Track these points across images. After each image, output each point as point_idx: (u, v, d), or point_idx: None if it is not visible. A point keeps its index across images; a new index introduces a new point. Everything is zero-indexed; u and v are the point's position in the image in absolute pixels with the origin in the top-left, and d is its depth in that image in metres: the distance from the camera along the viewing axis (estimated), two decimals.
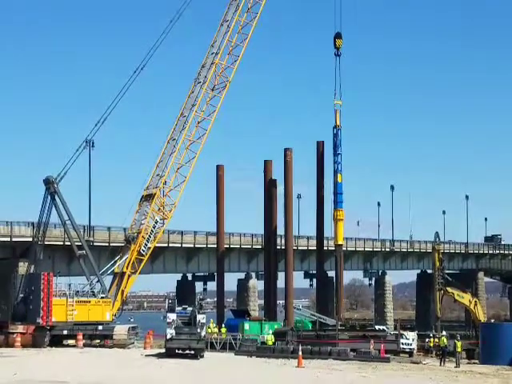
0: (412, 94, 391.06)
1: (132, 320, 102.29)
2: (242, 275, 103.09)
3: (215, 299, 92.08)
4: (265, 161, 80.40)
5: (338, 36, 72.14)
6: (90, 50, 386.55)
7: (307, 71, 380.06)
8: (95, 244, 75.66)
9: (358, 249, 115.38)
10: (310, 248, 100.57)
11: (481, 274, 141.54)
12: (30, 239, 65.30)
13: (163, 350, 48.46)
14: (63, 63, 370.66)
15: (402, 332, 55.98)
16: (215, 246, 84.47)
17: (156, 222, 62.95)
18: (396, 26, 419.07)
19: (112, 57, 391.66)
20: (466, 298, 67.17)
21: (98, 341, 56.75)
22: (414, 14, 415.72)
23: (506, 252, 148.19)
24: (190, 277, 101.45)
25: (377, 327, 66.19)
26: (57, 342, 55.69)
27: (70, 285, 59.31)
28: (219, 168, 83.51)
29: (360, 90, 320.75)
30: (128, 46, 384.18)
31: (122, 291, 62.10)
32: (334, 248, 73.82)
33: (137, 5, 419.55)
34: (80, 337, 54.68)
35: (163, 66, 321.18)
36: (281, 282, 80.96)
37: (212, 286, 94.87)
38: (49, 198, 60.54)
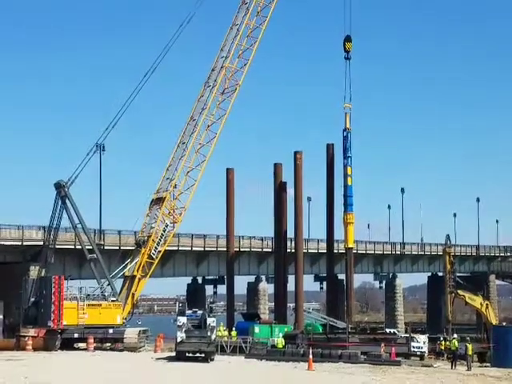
0: (422, 96, 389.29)
1: (140, 323, 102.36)
2: (252, 278, 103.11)
3: (225, 302, 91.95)
4: (274, 164, 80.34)
5: (347, 39, 71.46)
6: (99, 52, 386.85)
7: (317, 71, 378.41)
8: (106, 247, 75.97)
9: (368, 252, 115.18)
10: (320, 251, 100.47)
11: (492, 277, 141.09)
12: (41, 243, 65.60)
13: (173, 354, 48.49)
14: (72, 66, 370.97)
15: (412, 335, 55.77)
16: (225, 249, 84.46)
17: (166, 226, 63.04)
18: (407, 26, 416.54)
19: (122, 60, 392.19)
20: (477, 301, 66.82)
21: (109, 344, 56.99)
22: (423, 15, 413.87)
23: None
24: (200, 280, 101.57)
25: (387, 330, 65.90)
26: (68, 345, 55.88)
27: (80, 288, 59.45)
28: (229, 172, 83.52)
29: (370, 91, 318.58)
30: (138, 49, 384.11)
31: (133, 294, 62.25)
32: (344, 251, 73.57)
33: (147, 8, 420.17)
34: (91, 340, 54.80)
35: (173, 70, 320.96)
36: (291, 285, 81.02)
37: (222, 289, 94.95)
38: (60, 201, 60.77)
